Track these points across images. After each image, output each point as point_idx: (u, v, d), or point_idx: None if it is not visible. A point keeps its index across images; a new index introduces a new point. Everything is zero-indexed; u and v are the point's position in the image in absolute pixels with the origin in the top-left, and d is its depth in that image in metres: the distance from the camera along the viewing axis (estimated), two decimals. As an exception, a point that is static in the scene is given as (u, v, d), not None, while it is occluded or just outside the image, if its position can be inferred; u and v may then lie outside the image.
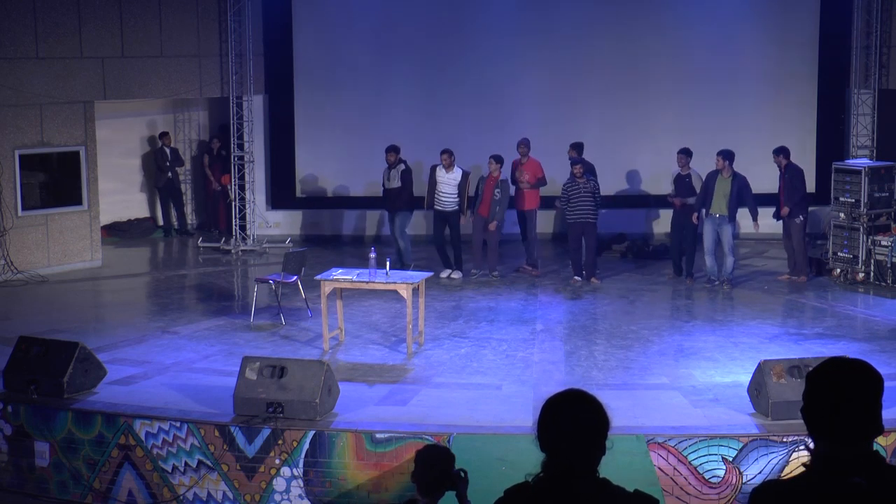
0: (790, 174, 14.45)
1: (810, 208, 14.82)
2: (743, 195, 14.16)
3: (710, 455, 8.77)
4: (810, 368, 3.18)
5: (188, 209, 19.35)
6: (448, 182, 14.92)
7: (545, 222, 16.93)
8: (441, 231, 15.08)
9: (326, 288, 11.46)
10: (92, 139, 16.16)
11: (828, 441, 3.01)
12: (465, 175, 14.97)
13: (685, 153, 14.70)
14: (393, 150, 15.23)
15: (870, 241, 14.20)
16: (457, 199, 14.93)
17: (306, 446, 9.00)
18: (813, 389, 3.05)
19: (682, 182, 14.65)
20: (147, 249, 18.02)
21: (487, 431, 9.00)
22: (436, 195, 14.99)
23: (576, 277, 14.73)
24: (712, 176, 14.20)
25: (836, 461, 2.97)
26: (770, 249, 16.38)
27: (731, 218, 14.15)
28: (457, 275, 14.95)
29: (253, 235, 17.57)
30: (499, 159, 14.84)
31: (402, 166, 15.22)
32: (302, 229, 18.26)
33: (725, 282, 14.28)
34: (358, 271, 11.81)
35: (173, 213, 18.95)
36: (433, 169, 15.12)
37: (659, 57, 17.83)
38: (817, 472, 3.00)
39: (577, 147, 15.55)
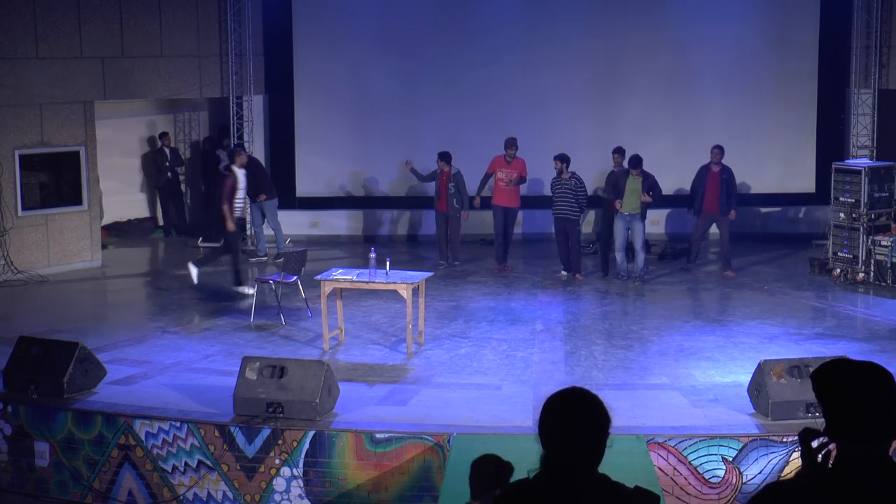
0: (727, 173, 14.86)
1: (810, 207, 14.75)
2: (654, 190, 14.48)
3: (710, 455, 8.77)
4: (811, 369, 3.18)
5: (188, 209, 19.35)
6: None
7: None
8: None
9: (326, 288, 11.45)
10: (92, 139, 16.15)
11: (848, 440, 2.99)
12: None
13: (619, 152, 14.95)
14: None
15: (870, 241, 14.20)
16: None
17: (306, 446, 9.01)
18: (835, 389, 3.03)
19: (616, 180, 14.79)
20: (147, 249, 18.02)
21: (487, 431, 8.99)
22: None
23: (562, 272, 14.90)
24: (623, 175, 14.51)
25: (847, 460, 2.97)
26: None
27: (643, 216, 14.45)
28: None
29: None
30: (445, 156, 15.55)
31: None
32: (302, 229, 18.25)
33: (637, 278, 14.56)
34: (358, 271, 11.80)
35: (173, 213, 18.95)
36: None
37: (658, 56, 17.82)
38: (823, 472, 2.99)
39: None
